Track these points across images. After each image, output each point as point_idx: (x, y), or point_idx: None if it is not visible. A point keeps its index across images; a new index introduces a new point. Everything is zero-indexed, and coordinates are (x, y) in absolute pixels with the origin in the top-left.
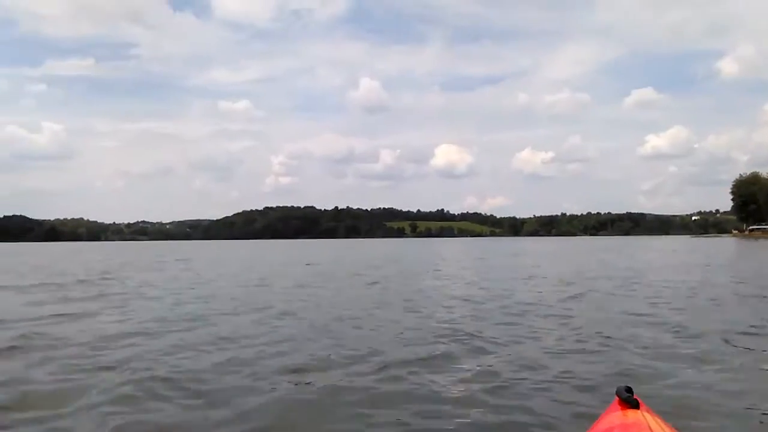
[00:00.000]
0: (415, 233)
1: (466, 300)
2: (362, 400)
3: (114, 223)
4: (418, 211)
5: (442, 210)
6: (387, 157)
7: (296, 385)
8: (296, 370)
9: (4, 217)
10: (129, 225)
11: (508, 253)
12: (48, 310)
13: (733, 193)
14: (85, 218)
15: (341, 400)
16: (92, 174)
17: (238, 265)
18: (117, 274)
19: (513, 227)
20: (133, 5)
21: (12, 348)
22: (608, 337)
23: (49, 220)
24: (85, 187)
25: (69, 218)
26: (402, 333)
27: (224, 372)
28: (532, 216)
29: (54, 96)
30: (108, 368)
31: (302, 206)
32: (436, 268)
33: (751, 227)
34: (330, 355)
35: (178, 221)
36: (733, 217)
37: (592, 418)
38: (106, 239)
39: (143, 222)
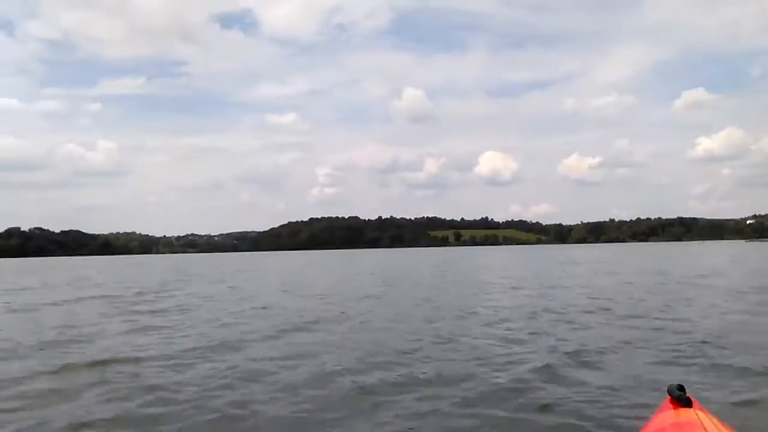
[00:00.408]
0: (459, 242)
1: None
2: None
3: (165, 236)
4: (462, 219)
5: (486, 218)
6: (431, 165)
7: None
8: None
9: (62, 232)
10: (179, 238)
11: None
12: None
13: None
14: (137, 232)
15: None
16: (144, 189)
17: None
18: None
19: (559, 234)
20: (185, 24)
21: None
22: None
23: (103, 234)
24: (137, 202)
25: (122, 232)
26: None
27: None
28: (579, 222)
29: (108, 114)
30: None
31: (346, 216)
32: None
33: None
34: None
35: (226, 233)
36: None
37: (643, 418)
38: (157, 252)
39: (192, 235)
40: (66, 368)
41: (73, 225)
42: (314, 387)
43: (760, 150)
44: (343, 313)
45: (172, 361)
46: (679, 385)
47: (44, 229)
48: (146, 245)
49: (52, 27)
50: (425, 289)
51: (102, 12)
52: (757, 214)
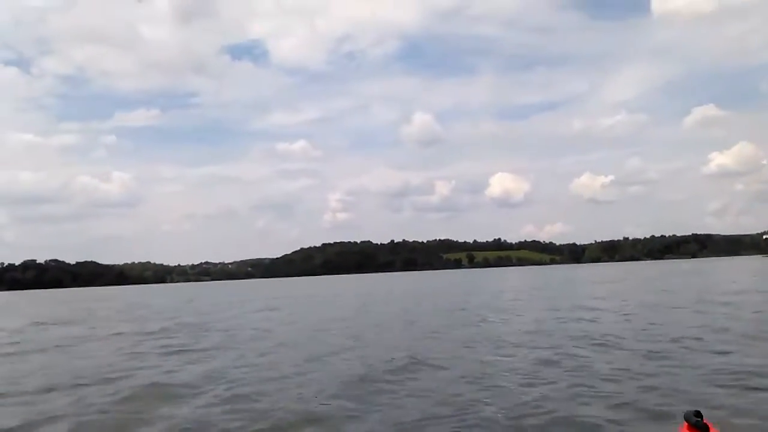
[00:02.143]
0: (472, 264)
1: None
2: None
3: (179, 265)
4: (475, 241)
5: (499, 239)
6: (442, 188)
7: None
8: None
9: (77, 263)
10: (193, 266)
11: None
12: None
13: None
14: (152, 261)
15: None
16: (158, 218)
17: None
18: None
19: (573, 254)
20: (196, 57)
21: None
22: None
23: (118, 264)
24: (151, 232)
25: (136, 262)
26: None
27: None
28: (593, 242)
29: (123, 146)
30: None
31: (359, 241)
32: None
33: None
34: None
35: (240, 261)
36: None
37: None
38: (171, 281)
39: (206, 263)
40: None
41: (89, 256)
42: None
43: None
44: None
45: None
46: (696, 411)
47: (60, 261)
48: (160, 274)
49: (65, 62)
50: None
51: (113, 46)
52: None
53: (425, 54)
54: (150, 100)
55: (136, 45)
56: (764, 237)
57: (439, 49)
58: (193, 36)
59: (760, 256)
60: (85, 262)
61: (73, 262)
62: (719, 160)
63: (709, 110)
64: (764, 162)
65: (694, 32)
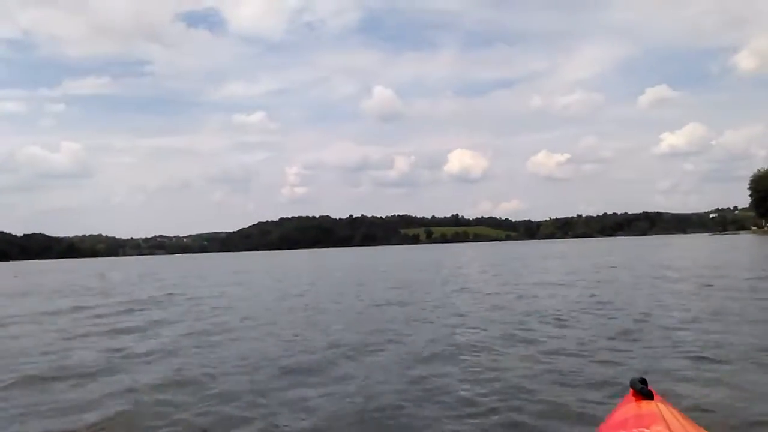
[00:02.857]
0: (430, 239)
1: None
2: None
3: (132, 238)
4: (433, 217)
5: (457, 215)
6: (401, 163)
7: None
8: None
9: (24, 235)
10: (146, 240)
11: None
12: None
13: (751, 188)
14: (104, 234)
15: None
16: (110, 190)
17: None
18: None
19: (529, 230)
20: (149, 23)
21: None
22: None
23: (68, 237)
24: (103, 204)
25: (87, 235)
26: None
27: None
28: (547, 219)
29: (72, 115)
30: None
31: (317, 216)
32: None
33: None
34: None
35: (195, 234)
36: (752, 214)
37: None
38: (124, 254)
39: (160, 236)
40: None
41: (37, 229)
42: None
43: (721, 145)
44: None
45: None
46: (641, 378)
47: (6, 233)
48: (113, 247)
49: (10, 26)
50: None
51: (62, 10)
52: (720, 207)
53: (385, 27)
54: (101, 67)
55: (86, 9)
56: (711, 216)
57: (400, 23)
58: (147, 2)
59: (706, 234)
60: (34, 234)
61: (20, 234)
62: (670, 140)
63: (662, 91)
64: (713, 143)
65: (651, 13)
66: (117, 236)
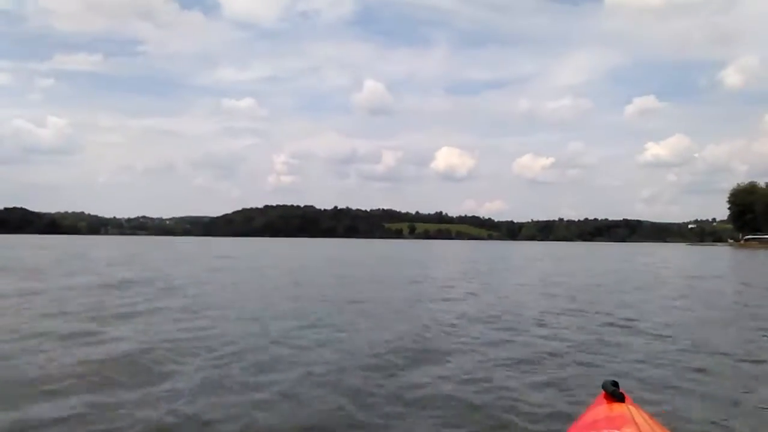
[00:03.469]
0: (413, 235)
1: None
2: None
3: (114, 217)
4: (417, 212)
5: (441, 212)
6: (389, 158)
7: None
8: None
9: (5, 209)
10: (129, 220)
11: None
12: None
13: (730, 202)
14: (86, 212)
15: None
16: (95, 168)
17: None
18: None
19: (510, 231)
20: (144, 2)
21: None
22: None
23: (50, 213)
24: (87, 182)
25: (69, 212)
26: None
27: None
28: (530, 221)
29: (61, 91)
30: None
31: (302, 205)
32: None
33: (746, 237)
34: None
35: (179, 217)
36: (729, 226)
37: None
38: (106, 233)
39: (143, 217)
40: None
41: (18, 203)
42: None
43: (703, 158)
44: None
45: None
46: (613, 381)
47: None
48: (94, 226)
49: None
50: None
51: None
52: (699, 219)
53: (380, 20)
54: (92, 44)
55: None
56: (689, 226)
57: (395, 17)
58: None
59: (684, 244)
60: (14, 208)
61: (0, 207)
62: (654, 150)
63: (649, 101)
64: (696, 155)
65: (642, 24)
66: (99, 215)
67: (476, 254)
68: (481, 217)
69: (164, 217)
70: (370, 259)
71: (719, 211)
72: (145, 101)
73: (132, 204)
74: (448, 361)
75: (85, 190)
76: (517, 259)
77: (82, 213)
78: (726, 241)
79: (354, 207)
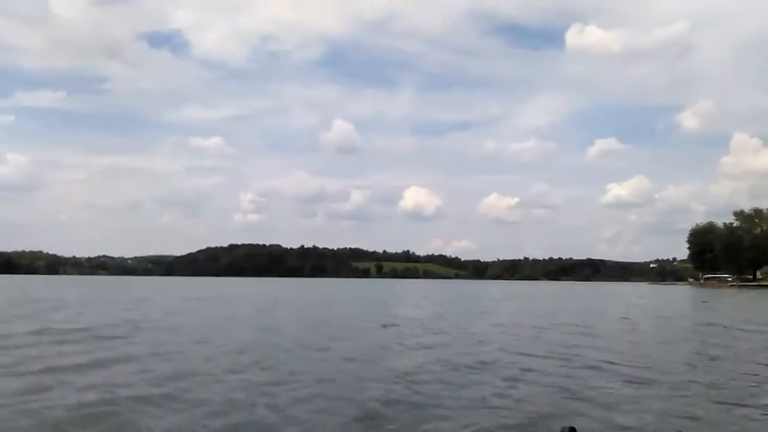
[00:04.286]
0: (381, 274)
1: None
2: None
3: (74, 256)
4: (384, 251)
5: (408, 251)
6: (357, 197)
7: None
8: None
9: None
10: (89, 259)
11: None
12: None
13: (689, 241)
14: (45, 251)
15: None
16: (56, 206)
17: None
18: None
19: (477, 270)
20: (111, 41)
21: None
22: None
23: (6, 252)
24: (47, 220)
25: (27, 250)
26: None
27: None
28: (496, 259)
29: (22, 127)
30: None
31: (268, 244)
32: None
33: (706, 275)
34: None
35: (141, 256)
36: (689, 266)
37: None
38: (65, 273)
39: (104, 256)
40: None
41: None
42: None
43: (663, 199)
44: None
45: None
46: (570, 427)
47: None
48: (53, 265)
49: None
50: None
51: (20, 20)
52: (660, 258)
53: (349, 62)
54: (57, 81)
55: (46, 21)
56: (651, 266)
57: (363, 59)
58: (109, 18)
59: (645, 283)
60: None
61: None
62: (616, 191)
63: (611, 143)
64: (656, 196)
65: (603, 69)
66: (59, 254)
67: (442, 296)
68: (448, 256)
69: (126, 256)
70: (330, 302)
71: (680, 250)
72: (110, 139)
73: (93, 243)
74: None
75: (45, 229)
76: (488, 301)
77: (41, 252)
78: (687, 280)
79: (321, 246)
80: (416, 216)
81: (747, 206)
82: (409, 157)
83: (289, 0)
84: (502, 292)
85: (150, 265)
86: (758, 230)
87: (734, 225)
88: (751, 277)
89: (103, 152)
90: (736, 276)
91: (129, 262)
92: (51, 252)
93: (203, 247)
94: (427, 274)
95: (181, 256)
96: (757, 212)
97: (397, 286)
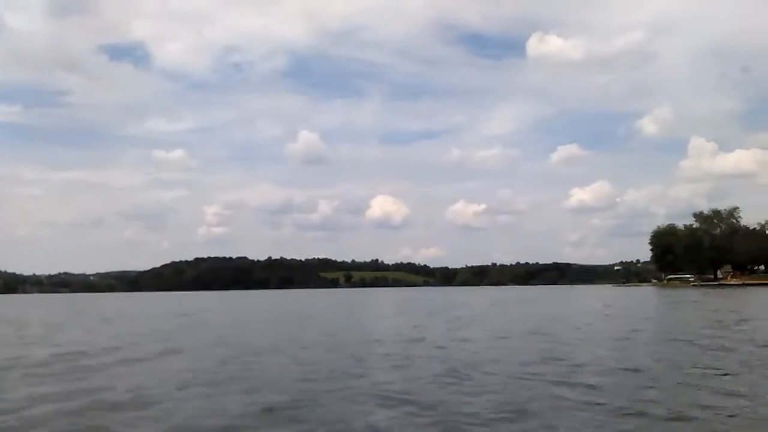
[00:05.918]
0: (350, 283)
1: None
2: None
3: (34, 274)
4: (353, 261)
5: (377, 260)
6: (325, 207)
7: None
8: None
9: None
10: (50, 276)
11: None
12: None
13: (651, 243)
14: (2, 269)
15: None
16: (13, 223)
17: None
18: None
19: (446, 277)
20: (70, 54)
21: None
22: None
23: None
24: (5, 237)
25: None
26: None
27: None
28: (464, 266)
29: None
30: None
31: (234, 257)
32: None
33: (669, 276)
34: None
35: (103, 272)
36: (653, 267)
37: None
38: (24, 291)
39: (65, 273)
40: None
41: None
42: None
43: (624, 202)
44: None
45: None
46: None
47: None
48: (11, 284)
49: None
50: None
51: None
52: (624, 260)
53: (314, 73)
54: (12, 95)
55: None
56: (616, 268)
57: (328, 70)
58: (68, 31)
59: (611, 285)
60: None
61: None
62: (579, 195)
63: (573, 149)
64: (618, 200)
65: (564, 77)
66: (17, 272)
67: (413, 304)
68: (417, 263)
69: (88, 272)
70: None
71: (643, 252)
72: (70, 153)
73: (53, 259)
74: None
75: (2, 246)
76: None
77: None
78: (650, 281)
79: (289, 257)
80: (384, 225)
81: (706, 208)
82: (376, 166)
83: (253, 11)
84: (475, 299)
85: (113, 281)
86: (717, 231)
87: (694, 226)
88: (712, 276)
89: (63, 167)
90: (697, 276)
91: (91, 278)
92: (9, 270)
93: (168, 262)
94: (397, 283)
95: (146, 271)
96: (716, 213)
97: (358, 298)
